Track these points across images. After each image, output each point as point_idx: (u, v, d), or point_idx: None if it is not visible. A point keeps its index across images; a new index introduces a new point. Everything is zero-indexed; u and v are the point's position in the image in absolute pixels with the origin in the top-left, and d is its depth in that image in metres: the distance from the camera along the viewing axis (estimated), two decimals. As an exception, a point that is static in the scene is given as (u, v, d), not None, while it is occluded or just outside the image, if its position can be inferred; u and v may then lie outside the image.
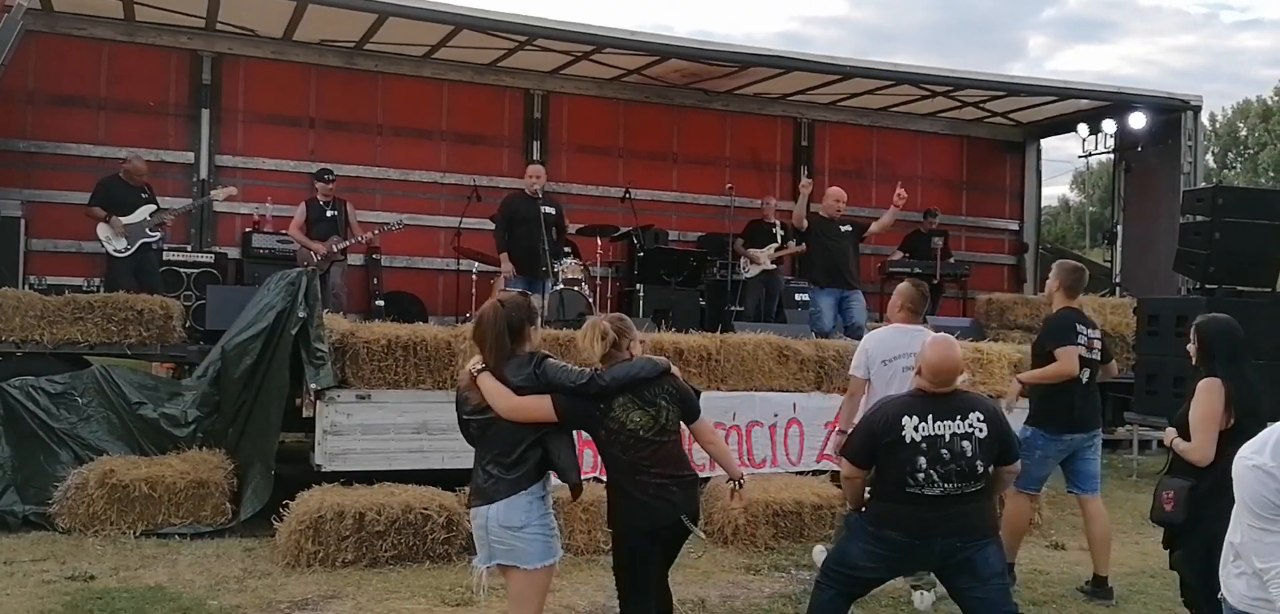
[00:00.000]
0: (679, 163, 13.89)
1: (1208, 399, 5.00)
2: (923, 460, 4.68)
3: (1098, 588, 7.03)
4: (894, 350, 6.61)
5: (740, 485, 5.05)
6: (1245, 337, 5.31)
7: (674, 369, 4.90)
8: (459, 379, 4.72)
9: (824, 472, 8.56)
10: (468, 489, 7.35)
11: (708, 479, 8.08)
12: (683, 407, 4.80)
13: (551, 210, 10.79)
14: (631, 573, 4.87)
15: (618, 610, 5.11)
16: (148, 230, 10.60)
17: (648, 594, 4.87)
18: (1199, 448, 5.01)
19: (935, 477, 4.68)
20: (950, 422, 4.73)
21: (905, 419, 4.74)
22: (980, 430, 4.75)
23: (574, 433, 4.69)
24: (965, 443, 4.72)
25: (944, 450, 4.69)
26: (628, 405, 4.64)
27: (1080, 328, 6.87)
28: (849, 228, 10.94)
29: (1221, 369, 5.06)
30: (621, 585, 4.92)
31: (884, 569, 4.97)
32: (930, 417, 4.73)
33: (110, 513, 7.37)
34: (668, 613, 5.07)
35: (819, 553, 6.93)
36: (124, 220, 10.46)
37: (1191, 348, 5.33)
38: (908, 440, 4.70)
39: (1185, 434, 5.18)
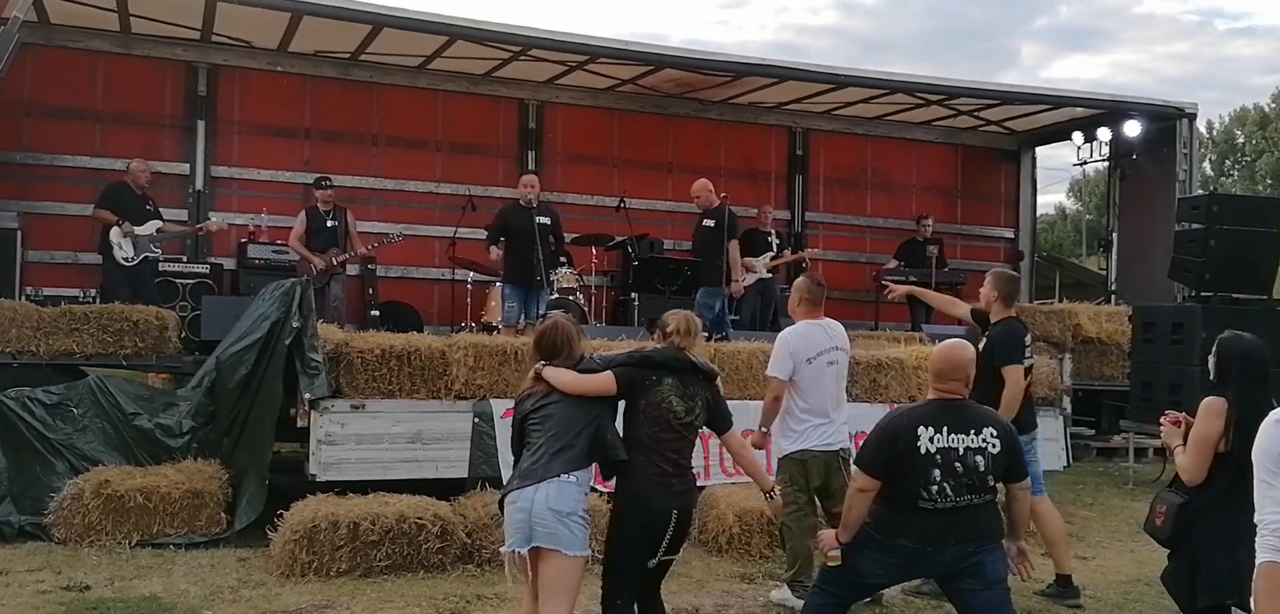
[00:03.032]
0: (674, 172, 13.92)
1: (1207, 420, 4.87)
2: (936, 473, 4.64)
3: (1063, 588, 7.03)
4: (817, 347, 6.65)
5: (772, 497, 5.33)
6: (1269, 358, 5.09)
7: (718, 381, 5.19)
8: (521, 389, 5.08)
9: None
10: (461, 498, 7.48)
11: (702, 488, 8.12)
12: (714, 416, 5.10)
13: (547, 220, 10.80)
14: (617, 566, 4.91)
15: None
16: (152, 246, 10.65)
17: (630, 590, 4.92)
18: (1189, 466, 4.92)
19: (949, 490, 4.65)
20: (964, 435, 4.69)
21: (921, 429, 4.68)
22: (993, 446, 4.73)
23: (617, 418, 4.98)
24: (978, 457, 4.69)
25: (957, 464, 4.66)
26: (673, 388, 4.90)
27: (1026, 342, 7.02)
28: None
29: (1233, 391, 4.90)
30: (606, 578, 4.95)
31: (890, 575, 4.96)
32: (945, 428, 4.69)
33: (106, 523, 7.36)
34: None
35: (778, 596, 6.75)
36: (136, 230, 10.51)
37: (1211, 363, 5.15)
38: (923, 451, 4.65)
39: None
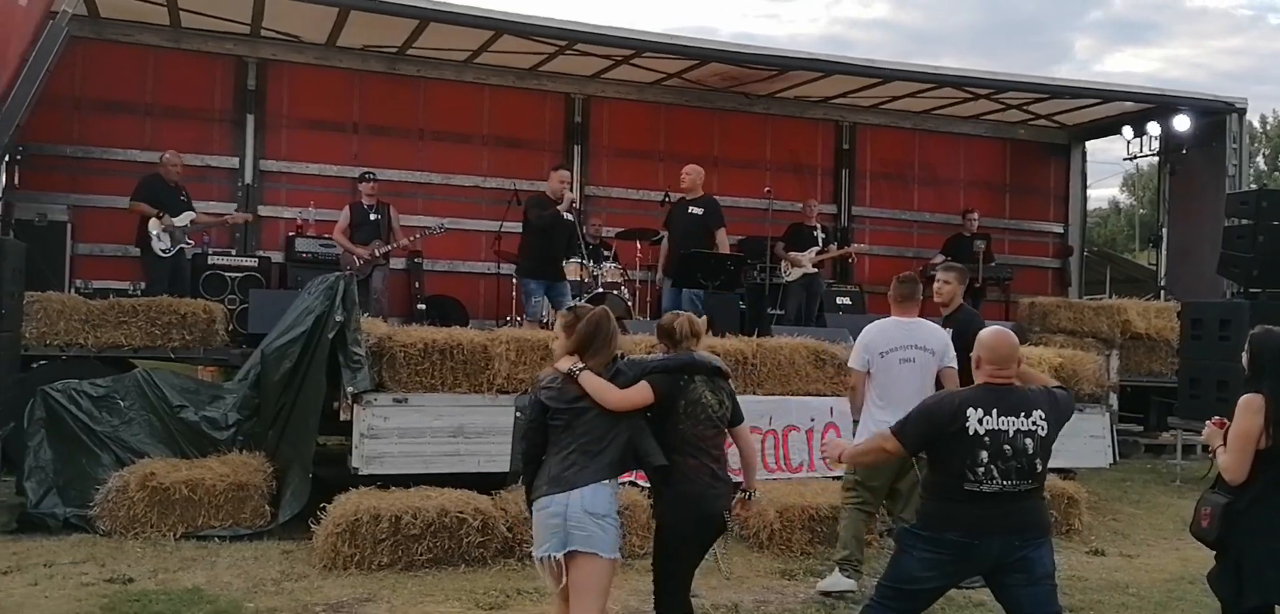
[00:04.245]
0: (719, 166, 13.81)
1: (1245, 416, 4.82)
2: (984, 454, 4.57)
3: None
4: (892, 342, 6.70)
5: (750, 497, 5.30)
6: None
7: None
8: (542, 375, 4.94)
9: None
10: (503, 492, 7.47)
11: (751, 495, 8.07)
12: (735, 410, 5.17)
13: (571, 217, 10.77)
14: (671, 566, 4.94)
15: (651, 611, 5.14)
16: (186, 237, 10.77)
17: (684, 589, 4.96)
18: (1230, 465, 4.86)
19: (996, 472, 4.58)
20: (1015, 418, 4.63)
21: (970, 411, 4.62)
22: (1041, 429, 4.67)
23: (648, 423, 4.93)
24: (1027, 440, 4.62)
25: (1006, 446, 4.59)
26: (704, 384, 4.97)
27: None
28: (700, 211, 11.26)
29: (1269, 386, 4.86)
30: (659, 580, 4.94)
31: (941, 577, 4.82)
32: (995, 410, 4.63)
33: (150, 515, 7.43)
34: None
35: (827, 583, 6.82)
36: (174, 222, 10.64)
37: (1244, 359, 5.15)
38: (971, 432, 4.59)
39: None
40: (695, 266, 10.82)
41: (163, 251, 10.57)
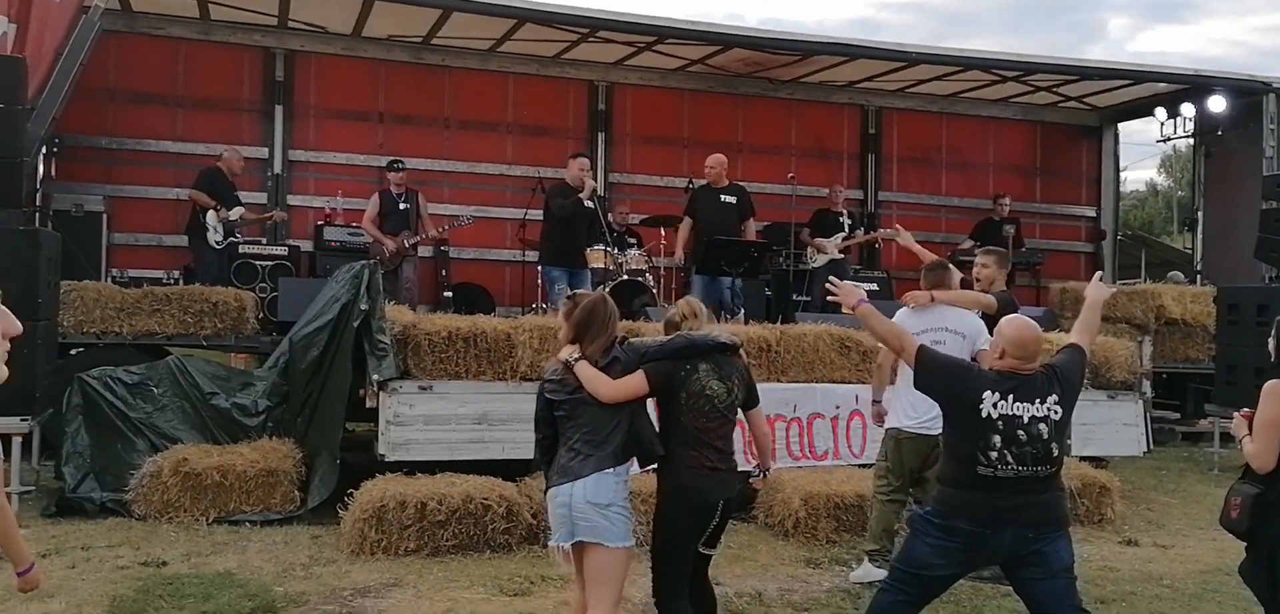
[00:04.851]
0: (743, 152, 13.80)
1: (1272, 403, 4.76)
2: (997, 439, 4.53)
3: None
4: (923, 324, 6.67)
5: (764, 475, 5.37)
6: None
7: (743, 352, 5.19)
8: (547, 366, 4.96)
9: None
10: (527, 479, 7.53)
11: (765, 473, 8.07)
12: (747, 391, 5.06)
13: (592, 204, 10.83)
14: (670, 558, 4.90)
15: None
16: (237, 231, 10.99)
17: (684, 580, 4.93)
18: (1258, 453, 4.79)
19: (1009, 457, 4.54)
20: (1031, 404, 4.59)
21: (986, 394, 4.59)
22: (1055, 412, 4.63)
23: (652, 411, 4.89)
24: (1042, 425, 4.59)
25: (1021, 432, 4.55)
26: (709, 373, 4.87)
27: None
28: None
29: None
30: (657, 571, 4.94)
31: (952, 565, 4.77)
32: (1011, 396, 4.59)
33: (184, 500, 7.58)
34: (711, 612, 5.11)
35: (859, 573, 6.87)
36: (229, 215, 10.87)
37: (1271, 345, 5.12)
38: (985, 415, 4.56)
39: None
40: (720, 254, 10.83)
41: (216, 243, 10.88)
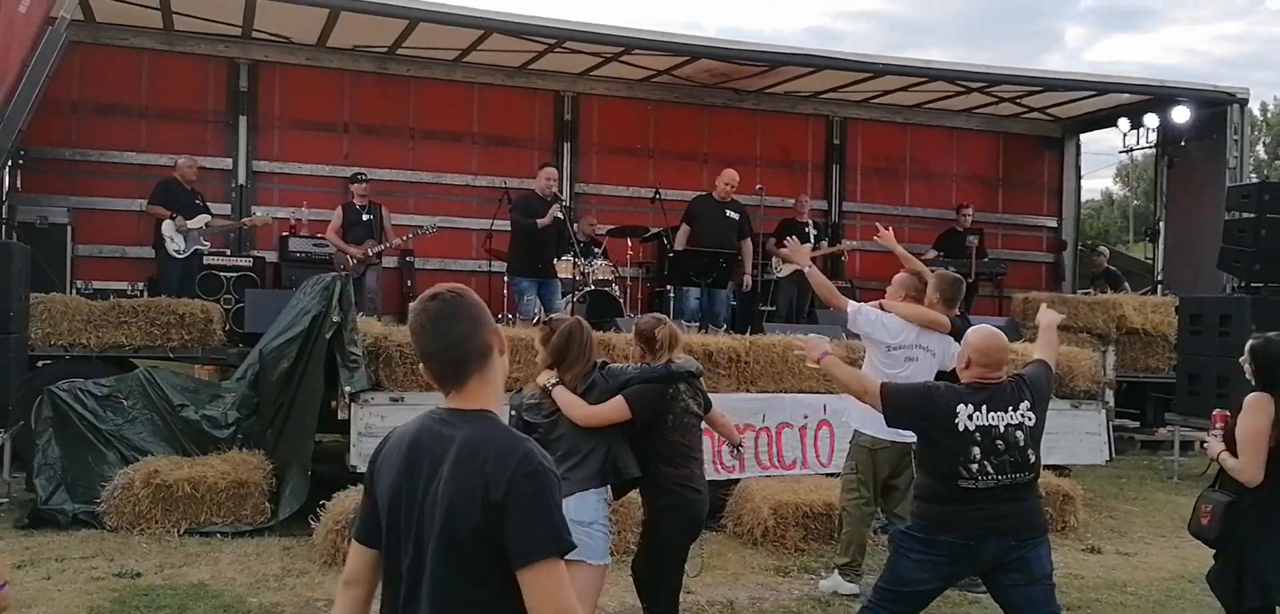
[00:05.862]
0: (709, 162, 13.87)
1: (1255, 415, 4.82)
2: (976, 451, 4.60)
3: None
4: (898, 337, 6.81)
5: (740, 448, 5.65)
6: None
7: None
8: (526, 390, 5.04)
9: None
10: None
11: (737, 482, 8.15)
12: (707, 401, 5.34)
13: (560, 215, 10.90)
14: (670, 576, 5.04)
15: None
16: (201, 239, 10.89)
17: (677, 592, 5.08)
18: (1247, 467, 4.83)
19: (990, 467, 4.60)
20: (1004, 412, 4.66)
21: (960, 407, 4.64)
22: (1029, 419, 4.70)
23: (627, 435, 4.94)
24: (1018, 433, 4.66)
25: (999, 441, 4.62)
26: (687, 393, 5.07)
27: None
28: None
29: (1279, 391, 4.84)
30: (656, 591, 5.01)
31: (938, 578, 4.84)
32: (985, 406, 4.65)
33: (155, 512, 7.57)
34: None
35: (829, 584, 6.94)
36: (188, 224, 10.74)
37: (1247, 368, 5.08)
38: (962, 429, 4.61)
39: (1233, 449, 4.96)
40: (687, 265, 10.92)
41: (176, 252, 10.77)
